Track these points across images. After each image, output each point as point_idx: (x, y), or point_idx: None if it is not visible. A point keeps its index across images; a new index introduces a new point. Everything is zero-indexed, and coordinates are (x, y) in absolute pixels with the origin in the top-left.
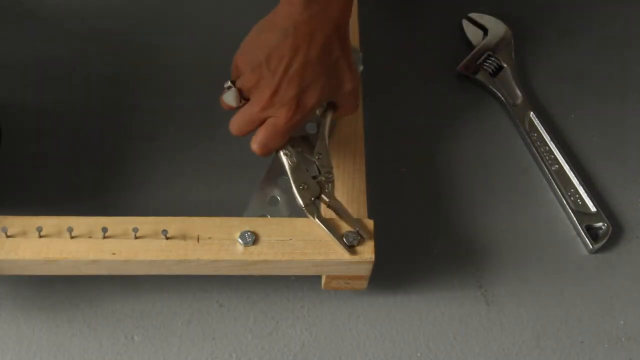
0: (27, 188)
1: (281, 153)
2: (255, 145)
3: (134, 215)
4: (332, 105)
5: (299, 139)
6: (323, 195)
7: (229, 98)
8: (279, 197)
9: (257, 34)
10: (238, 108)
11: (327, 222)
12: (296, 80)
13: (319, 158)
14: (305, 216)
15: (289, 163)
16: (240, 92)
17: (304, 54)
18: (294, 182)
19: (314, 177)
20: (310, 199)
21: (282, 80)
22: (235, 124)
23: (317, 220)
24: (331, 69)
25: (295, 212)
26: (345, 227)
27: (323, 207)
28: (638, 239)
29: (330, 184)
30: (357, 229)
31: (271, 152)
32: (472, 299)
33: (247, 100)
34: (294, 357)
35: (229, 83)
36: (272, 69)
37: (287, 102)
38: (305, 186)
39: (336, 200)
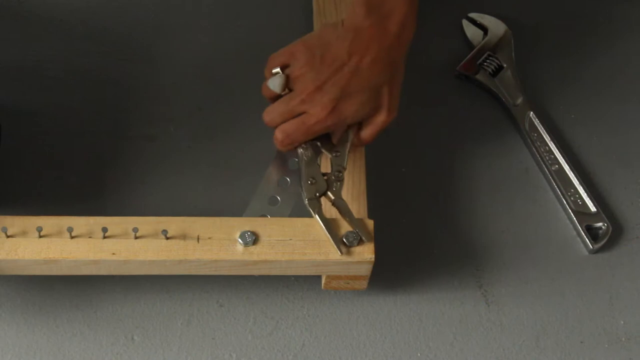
0: (27, 188)
1: None
2: (280, 133)
3: (134, 215)
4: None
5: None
6: (329, 193)
7: (275, 83)
8: (278, 197)
9: (322, 31)
10: (275, 99)
11: (327, 221)
12: (341, 84)
13: (335, 155)
14: (307, 210)
15: (303, 157)
16: (286, 80)
17: (356, 62)
18: (304, 175)
19: (324, 175)
20: (315, 194)
21: (329, 79)
22: (271, 114)
23: (316, 216)
24: (374, 90)
25: (295, 212)
26: (345, 228)
27: (328, 205)
28: (638, 239)
29: (339, 183)
30: (357, 230)
31: (292, 146)
32: (472, 299)
33: (290, 91)
34: (294, 357)
35: (278, 69)
36: (324, 65)
37: (326, 102)
38: (314, 181)
39: (342, 200)
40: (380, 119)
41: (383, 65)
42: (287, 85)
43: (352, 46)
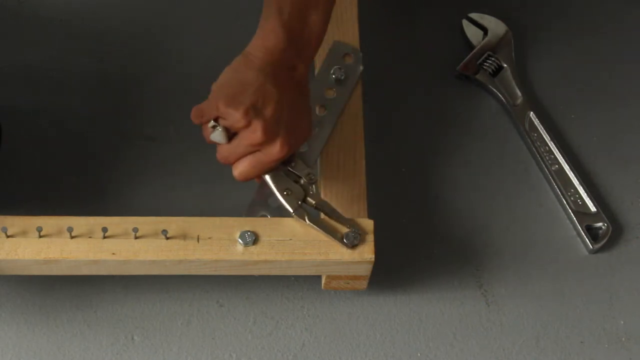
0: (27, 188)
1: None
2: (237, 173)
3: (134, 215)
4: None
5: None
6: (309, 198)
7: (218, 138)
8: (268, 215)
9: (234, 75)
10: None
11: (322, 223)
12: (284, 120)
13: (293, 166)
14: (297, 221)
15: (267, 177)
16: (227, 129)
17: (289, 95)
18: (277, 190)
19: (296, 182)
20: (298, 203)
21: (271, 121)
22: (223, 155)
23: (309, 222)
24: (309, 111)
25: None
26: (341, 228)
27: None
28: (638, 239)
29: (314, 185)
30: (349, 227)
31: (250, 179)
32: (472, 299)
33: (235, 134)
34: (293, 357)
35: (213, 122)
36: (259, 110)
37: (277, 141)
38: (289, 192)
39: (323, 200)
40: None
41: (306, 88)
42: (230, 133)
43: (278, 82)
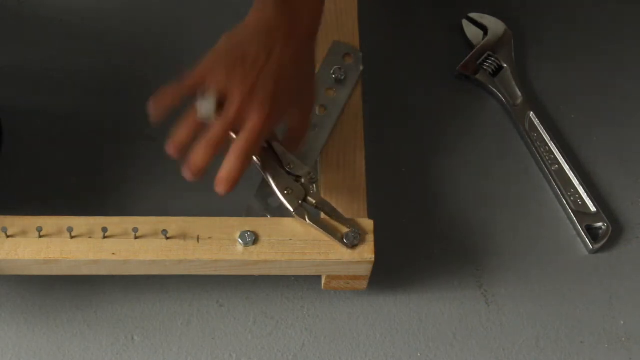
0: (27, 188)
1: (255, 159)
2: (237, 152)
3: (134, 215)
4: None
5: (267, 150)
6: (309, 197)
7: (206, 106)
8: (268, 215)
9: (227, 40)
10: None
11: (322, 223)
12: (273, 78)
13: (290, 168)
14: (298, 220)
15: (267, 174)
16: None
17: (279, 55)
18: (278, 189)
19: (296, 181)
20: (298, 202)
21: (260, 76)
22: (212, 140)
23: (309, 222)
24: (301, 79)
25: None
26: (342, 227)
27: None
28: (638, 239)
29: (314, 185)
30: (349, 227)
31: (250, 161)
32: (472, 299)
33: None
34: (293, 357)
35: (204, 95)
36: (249, 66)
37: (264, 100)
38: (290, 190)
39: (324, 200)
40: (308, 104)
41: (304, 57)
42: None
43: (270, 42)
